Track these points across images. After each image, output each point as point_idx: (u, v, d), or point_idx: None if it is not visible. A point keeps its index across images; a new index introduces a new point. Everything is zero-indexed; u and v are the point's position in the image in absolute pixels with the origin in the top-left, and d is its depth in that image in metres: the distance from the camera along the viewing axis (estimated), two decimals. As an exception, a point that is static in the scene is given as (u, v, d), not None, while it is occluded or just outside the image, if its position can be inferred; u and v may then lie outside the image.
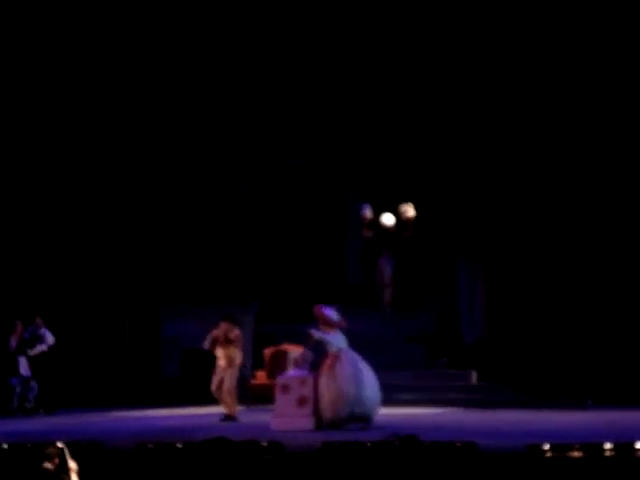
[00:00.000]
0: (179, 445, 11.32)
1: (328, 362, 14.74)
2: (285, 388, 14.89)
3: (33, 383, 19.00)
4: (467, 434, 12.86)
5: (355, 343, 19.21)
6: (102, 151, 20.67)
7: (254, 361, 19.49)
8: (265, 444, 11.25)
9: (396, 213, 19.66)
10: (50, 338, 19.07)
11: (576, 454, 10.47)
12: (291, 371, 15.68)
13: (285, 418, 14.69)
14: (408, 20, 20.16)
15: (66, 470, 9.08)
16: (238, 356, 16.55)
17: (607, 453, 10.49)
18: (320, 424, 14.59)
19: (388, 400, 18.22)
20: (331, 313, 15.13)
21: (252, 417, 16.71)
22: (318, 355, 15.04)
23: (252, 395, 18.64)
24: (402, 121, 20.68)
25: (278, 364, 18.98)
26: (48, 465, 9.33)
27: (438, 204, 20.56)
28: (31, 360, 18.96)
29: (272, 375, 18.84)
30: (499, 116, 19.93)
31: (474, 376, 19.47)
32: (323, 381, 14.67)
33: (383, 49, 20.34)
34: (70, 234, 20.56)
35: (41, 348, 19.00)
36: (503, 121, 19.89)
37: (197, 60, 20.85)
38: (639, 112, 18.96)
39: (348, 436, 12.99)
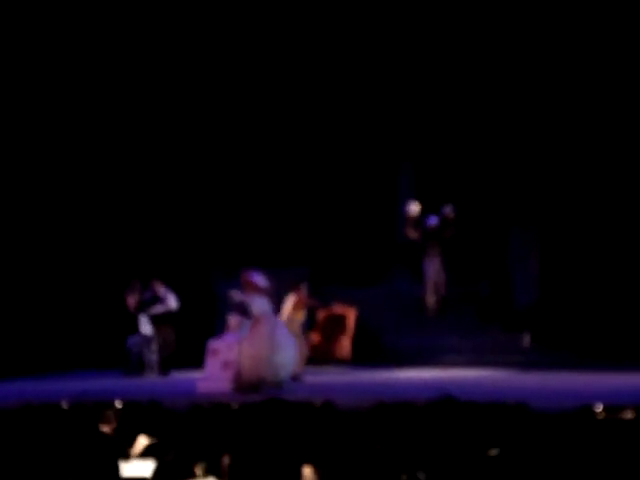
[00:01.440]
0: (235, 406, 11.46)
1: (252, 326, 15.00)
2: (214, 352, 15.21)
3: (153, 343, 18.76)
4: (519, 395, 12.92)
5: (405, 303, 19.45)
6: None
7: (308, 323, 19.65)
8: (318, 405, 11.37)
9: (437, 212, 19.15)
10: (173, 301, 18.71)
11: (629, 415, 10.46)
12: (226, 335, 15.62)
13: (209, 381, 15.02)
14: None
15: (128, 437, 9.17)
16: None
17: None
18: (240, 387, 14.78)
19: (439, 362, 18.41)
20: (258, 278, 15.27)
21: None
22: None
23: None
24: (453, 90, 20.63)
25: (331, 326, 19.18)
26: (105, 428, 9.43)
27: (490, 171, 20.49)
28: (153, 319, 18.71)
29: (324, 336, 19.09)
30: (544, 89, 19.85)
31: (527, 339, 19.47)
32: (243, 344, 14.94)
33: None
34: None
35: (162, 308, 18.67)
36: (548, 94, 19.81)
37: (200, 50, 20.90)
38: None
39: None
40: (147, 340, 18.79)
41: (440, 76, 20.62)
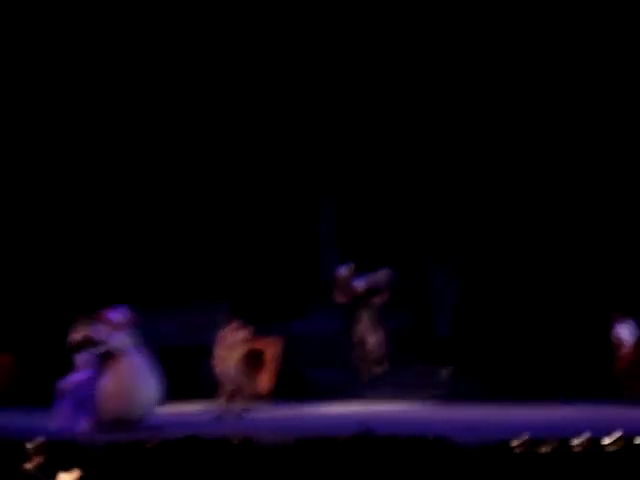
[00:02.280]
0: (150, 444, 11.31)
1: (110, 363, 15.03)
2: (64, 392, 15.18)
3: None
4: (438, 429, 12.92)
5: (327, 340, 19.41)
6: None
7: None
8: (236, 442, 11.26)
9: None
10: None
11: (545, 449, 10.52)
12: (75, 374, 15.51)
13: (63, 420, 14.95)
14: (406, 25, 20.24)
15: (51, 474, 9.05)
16: None
17: (576, 448, 10.55)
18: (100, 426, 14.80)
19: (360, 396, 18.37)
20: (115, 315, 15.33)
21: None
22: (104, 356, 15.20)
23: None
24: (373, 121, 20.68)
25: (250, 361, 19.04)
26: (28, 465, 9.30)
27: (410, 203, 20.56)
28: None
29: (245, 372, 18.93)
30: (469, 118, 19.98)
31: (447, 372, 19.50)
32: (104, 382, 14.96)
33: (372, 52, 20.39)
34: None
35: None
36: (473, 122, 19.95)
37: (190, 60, 20.84)
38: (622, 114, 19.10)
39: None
40: None
41: (360, 108, 20.66)
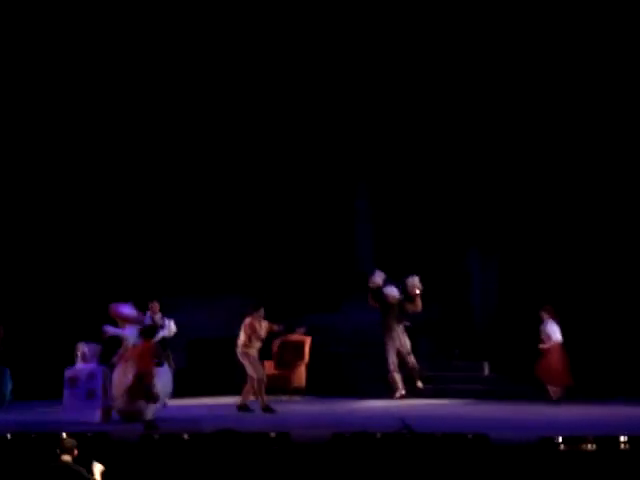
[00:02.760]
0: (185, 436, 11.19)
1: (124, 356, 15.11)
2: (73, 381, 15.21)
3: None
4: (479, 426, 12.72)
5: (366, 331, 19.20)
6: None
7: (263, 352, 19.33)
8: (273, 435, 11.12)
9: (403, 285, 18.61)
10: (172, 326, 17.60)
11: (589, 447, 10.31)
12: (79, 364, 15.54)
13: (74, 411, 14.95)
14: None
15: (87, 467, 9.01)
16: None
17: (621, 446, 10.33)
18: (109, 416, 14.92)
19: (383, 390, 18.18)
20: (126, 310, 15.50)
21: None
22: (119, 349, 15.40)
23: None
24: (414, 110, 20.48)
25: (285, 354, 18.90)
26: (66, 457, 9.32)
27: (450, 192, 20.32)
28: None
29: (280, 365, 18.78)
30: (509, 109, 19.75)
31: (486, 367, 19.26)
32: (117, 374, 14.99)
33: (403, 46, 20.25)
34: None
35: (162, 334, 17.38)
36: (513, 114, 19.73)
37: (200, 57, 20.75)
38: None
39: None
40: None
41: (397, 97, 20.45)
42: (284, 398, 18.02)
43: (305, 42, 20.45)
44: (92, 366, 15.28)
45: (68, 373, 15.31)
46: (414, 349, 18.42)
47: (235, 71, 20.72)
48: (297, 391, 18.72)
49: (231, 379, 18.03)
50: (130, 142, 20.61)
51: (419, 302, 18.18)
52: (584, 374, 17.37)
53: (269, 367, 18.64)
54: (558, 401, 16.82)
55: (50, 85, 20.08)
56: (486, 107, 19.85)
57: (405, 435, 11.38)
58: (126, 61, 20.43)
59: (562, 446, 10.35)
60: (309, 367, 19.05)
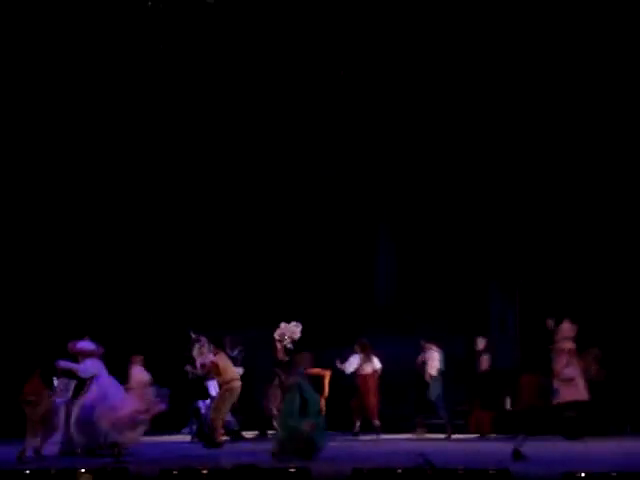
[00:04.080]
0: (204, 471, 11.09)
1: (82, 389, 15.58)
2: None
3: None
4: (500, 460, 12.59)
5: (385, 365, 19.06)
6: None
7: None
8: (293, 470, 11.01)
9: None
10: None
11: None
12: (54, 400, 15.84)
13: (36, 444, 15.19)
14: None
15: None
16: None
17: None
18: (71, 450, 15.25)
19: (416, 426, 18.03)
20: (83, 345, 15.90)
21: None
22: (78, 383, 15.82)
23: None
24: (433, 149, 20.52)
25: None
26: None
27: (470, 226, 20.29)
28: None
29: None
30: (525, 148, 19.76)
31: (507, 402, 19.09)
32: (74, 408, 15.45)
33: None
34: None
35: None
36: (528, 152, 19.73)
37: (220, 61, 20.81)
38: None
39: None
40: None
41: (415, 136, 20.50)
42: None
43: (325, 79, 20.59)
44: (60, 401, 15.69)
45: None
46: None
47: (257, 113, 20.87)
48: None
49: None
50: (164, 168, 20.79)
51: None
52: (607, 406, 17.25)
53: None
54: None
55: (50, 86, 20.19)
56: (501, 145, 19.89)
57: (426, 470, 11.25)
58: (133, 64, 20.57)
59: (585, 481, 10.19)
60: (328, 401, 18.95)
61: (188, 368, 17.86)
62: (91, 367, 15.66)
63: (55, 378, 15.91)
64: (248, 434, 17.57)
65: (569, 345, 16.72)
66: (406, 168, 20.87)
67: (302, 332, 19.44)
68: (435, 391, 18.17)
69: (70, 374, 15.74)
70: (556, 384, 16.51)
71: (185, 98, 20.82)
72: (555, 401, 16.62)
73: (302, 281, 20.98)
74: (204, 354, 17.48)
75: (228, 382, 15.65)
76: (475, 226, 20.29)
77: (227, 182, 21.33)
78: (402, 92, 20.42)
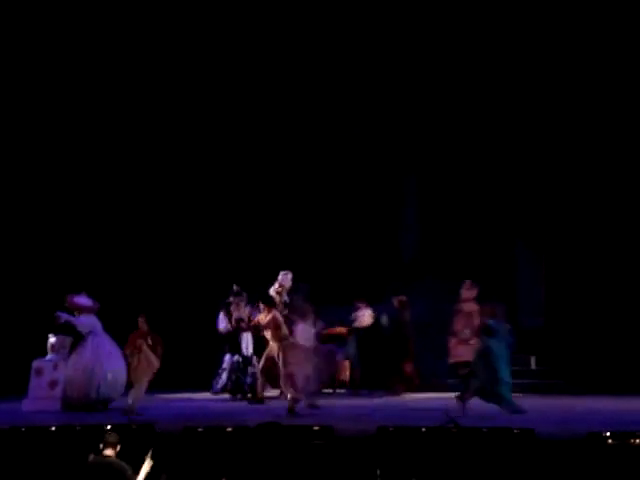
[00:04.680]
0: (229, 429, 11.14)
1: (77, 345, 15.65)
2: (39, 372, 15.58)
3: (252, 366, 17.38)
4: (525, 420, 12.57)
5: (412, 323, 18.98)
6: None
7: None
8: (317, 428, 11.05)
9: None
10: None
11: (638, 441, 10.13)
12: (49, 356, 15.92)
13: (36, 400, 15.29)
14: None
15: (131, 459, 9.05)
16: None
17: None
18: (69, 405, 15.23)
19: (442, 385, 18.00)
20: (81, 299, 15.91)
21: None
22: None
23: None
24: (463, 103, 20.40)
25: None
26: (109, 452, 9.35)
27: (496, 184, 20.18)
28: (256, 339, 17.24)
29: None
30: (555, 106, 19.62)
31: (532, 361, 19.06)
32: (70, 363, 15.51)
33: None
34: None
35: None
36: (558, 111, 19.59)
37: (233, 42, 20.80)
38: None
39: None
40: (246, 360, 17.61)
41: (444, 90, 20.39)
42: (328, 392, 17.93)
43: (343, 41, 20.51)
44: (57, 357, 15.71)
45: (35, 364, 15.70)
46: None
47: (278, 70, 20.83)
48: (341, 385, 18.60)
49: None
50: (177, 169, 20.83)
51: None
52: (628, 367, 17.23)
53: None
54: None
55: (51, 86, 20.19)
56: (533, 103, 19.75)
57: (450, 429, 11.27)
58: (132, 63, 20.54)
59: (610, 441, 10.17)
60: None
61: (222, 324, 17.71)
62: (87, 323, 15.74)
63: (51, 335, 15.94)
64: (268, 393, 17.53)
65: (472, 307, 16.43)
66: (435, 125, 20.77)
67: (328, 290, 19.51)
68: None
69: (66, 330, 15.81)
70: (451, 343, 16.25)
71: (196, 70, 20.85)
72: (451, 360, 16.37)
73: (326, 241, 21.00)
74: (241, 309, 17.52)
75: (287, 337, 15.50)
76: (502, 185, 20.20)
77: (255, 136, 21.35)
78: (433, 47, 20.31)
